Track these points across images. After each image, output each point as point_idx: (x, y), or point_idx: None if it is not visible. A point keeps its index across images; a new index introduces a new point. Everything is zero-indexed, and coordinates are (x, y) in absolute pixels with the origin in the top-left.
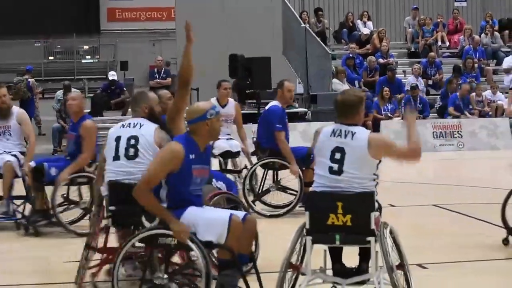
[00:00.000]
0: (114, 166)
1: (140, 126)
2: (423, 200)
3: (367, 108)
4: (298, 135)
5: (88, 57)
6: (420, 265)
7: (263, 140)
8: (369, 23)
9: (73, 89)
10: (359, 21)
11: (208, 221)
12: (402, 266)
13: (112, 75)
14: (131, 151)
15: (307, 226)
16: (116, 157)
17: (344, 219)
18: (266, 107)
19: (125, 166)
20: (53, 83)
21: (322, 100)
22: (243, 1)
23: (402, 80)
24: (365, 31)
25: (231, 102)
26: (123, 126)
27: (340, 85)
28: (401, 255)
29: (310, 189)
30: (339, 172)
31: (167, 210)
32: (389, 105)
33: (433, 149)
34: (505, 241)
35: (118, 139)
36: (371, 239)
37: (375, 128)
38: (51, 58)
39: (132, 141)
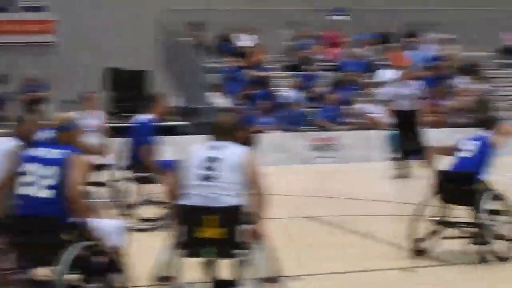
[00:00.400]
0: None
1: None
2: (297, 213)
3: (245, 122)
4: (174, 148)
5: None
6: (295, 277)
7: (134, 153)
8: (248, 37)
9: None
10: (238, 35)
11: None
12: (273, 278)
13: None
14: None
15: (178, 239)
16: None
17: (215, 232)
18: (138, 120)
19: None
20: None
21: (200, 113)
22: (122, 13)
23: (281, 93)
24: (244, 44)
25: (98, 113)
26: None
27: (218, 99)
28: (274, 268)
29: (180, 202)
30: (211, 179)
31: None
32: (267, 118)
33: (309, 161)
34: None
35: None
36: (241, 252)
37: (254, 141)
38: None
39: None
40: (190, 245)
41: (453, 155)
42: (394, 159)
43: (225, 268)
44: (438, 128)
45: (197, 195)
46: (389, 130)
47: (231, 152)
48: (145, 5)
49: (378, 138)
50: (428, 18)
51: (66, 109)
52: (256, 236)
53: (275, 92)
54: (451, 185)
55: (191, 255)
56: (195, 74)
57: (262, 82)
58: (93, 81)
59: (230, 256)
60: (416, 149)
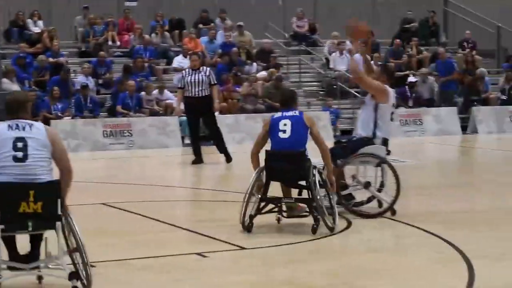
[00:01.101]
0: None
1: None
2: (92, 199)
3: (37, 108)
4: None
5: None
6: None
7: None
8: (40, 22)
9: None
10: (29, 20)
11: None
12: (78, 249)
13: None
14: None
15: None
16: None
17: (35, 206)
18: None
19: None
20: None
21: None
22: None
23: (73, 79)
24: (36, 30)
25: None
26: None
27: (10, 85)
28: (76, 239)
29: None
30: (24, 159)
31: None
32: (59, 105)
33: (104, 148)
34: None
35: None
36: (58, 223)
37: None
38: None
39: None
40: (13, 221)
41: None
42: (188, 145)
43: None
44: (230, 114)
45: (12, 173)
46: (183, 116)
47: (37, 134)
48: None
49: (172, 125)
50: (219, 5)
51: None
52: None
53: (68, 78)
54: (279, 164)
55: (14, 230)
56: None
57: (55, 68)
58: None
59: (51, 227)
60: (209, 135)
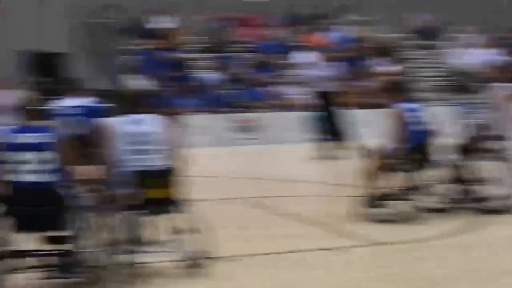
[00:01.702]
0: None
1: None
2: (224, 194)
3: (165, 104)
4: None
5: None
6: (220, 258)
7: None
8: (166, 19)
9: None
10: (156, 17)
11: None
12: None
13: None
14: None
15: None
16: None
17: (165, 192)
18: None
19: None
20: None
21: (117, 96)
22: None
23: (202, 75)
24: (162, 26)
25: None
26: None
27: (136, 81)
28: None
29: (127, 169)
30: (145, 151)
31: None
32: (187, 100)
33: (232, 143)
34: None
35: None
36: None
37: (174, 123)
38: None
39: None
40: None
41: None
42: (315, 140)
43: None
44: (357, 109)
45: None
46: (309, 111)
47: (152, 124)
48: None
49: (298, 120)
50: (342, 0)
51: None
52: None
53: (193, 74)
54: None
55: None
56: (113, 56)
57: (181, 65)
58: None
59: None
60: (336, 130)
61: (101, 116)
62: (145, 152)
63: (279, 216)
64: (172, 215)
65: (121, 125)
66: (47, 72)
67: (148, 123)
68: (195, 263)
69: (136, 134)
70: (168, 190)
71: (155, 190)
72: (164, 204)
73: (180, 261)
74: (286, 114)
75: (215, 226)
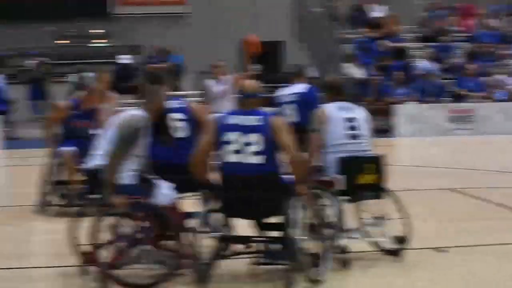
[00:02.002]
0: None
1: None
2: (438, 184)
3: (381, 93)
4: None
5: (100, 40)
6: (438, 248)
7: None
8: (382, 7)
9: (86, 74)
10: (372, 5)
11: None
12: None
13: (124, 59)
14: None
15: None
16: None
17: (371, 178)
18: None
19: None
20: (64, 67)
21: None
22: None
23: (415, 64)
24: (378, 14)
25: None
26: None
27: (352, 69)
28: None
29: (340, 155)
30: (357, 137)
31: None
32: (402, 90)
33: (447, 133)
34: None
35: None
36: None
37: (388, 112)
38: (62, 41)
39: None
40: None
41: None
42: None
43: None
44: None
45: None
46: None
47: (359, 112)
48: None
49: None
50: None
51: (202, 80)
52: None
53: (410, 63)
54: None
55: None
56: (330, 45)
57: (397, 53)
58: (228, 52)
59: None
60: None
61: (315, 103)
62: (357, 137)
63: (490, 207)
64: (376, 201)
65: (335, 111)
66: (265, 60)
67: (356, 111)
68: (396, 250)
69: (349, 120)
70: (376, 176)
71: (365, 176)
72: (371, 190)
73: (382, 249)
74: (502, 104)
75: (429, 216)
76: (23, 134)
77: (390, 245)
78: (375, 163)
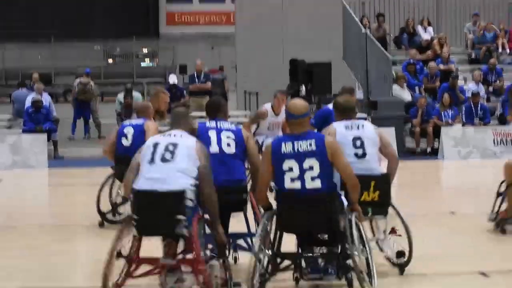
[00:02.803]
0: (147, 171)
1: (181, 136)
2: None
3: (427, 115)
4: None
5: (147, 60)
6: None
7: None
8: (430, 29)
9: (134, 92)
10: (419, 27)
11: None
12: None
13: (173, 79)
14: (168, 154)
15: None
16: (152, 161)
17: (373, 195)
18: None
19: (159, 170)
20: (112, 87)
21: (382, 106)
22: (303, 6)
23: (463, 86)
24: (426, 36)
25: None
26: (163, 135)
27: (400, 91)
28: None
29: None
30: (363, 156)
31: None
32: (450, 112)
33: (494, 156)
34: None
35: (156, 145)
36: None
37: (436, 134)
38: (110, 61)
39: (171, 147)
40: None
41: None
42: None
43: None
44: None
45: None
46: None
47: (368, 129)
48: None
49: None
50: None
51: (248, 99)
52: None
53: (457, 85)
54: None
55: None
56: (378, 66)
57: (445, 75)
58: (275, 73)
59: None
60: None
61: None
62: (364, 156)
63: None
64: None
65: (343, 130)
66: (310, 81)
67: (364, 129)
68: (402, 263)
69: (356, 139)
70: (380, 193)
71: (370, 193)
72: (375, 207)
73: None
74: None
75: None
76: (69, 153)
77: (394, 259)
78: (379, 181)
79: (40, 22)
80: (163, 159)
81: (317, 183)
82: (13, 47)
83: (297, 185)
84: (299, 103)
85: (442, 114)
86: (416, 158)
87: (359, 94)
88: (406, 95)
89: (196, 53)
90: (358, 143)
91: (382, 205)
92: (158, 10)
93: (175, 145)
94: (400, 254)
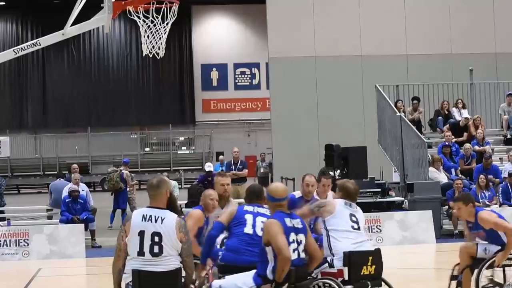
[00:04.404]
0: (139, 260)
1: (162, 220)
2: None
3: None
4: (395, 224)
5: (184, 148)
6: None
7: None
8: (464, 111)
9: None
10: (454, 109)
11: None
12: None
13: (209, 167)
14: (156, 248)
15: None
16: (141, 253)
17: (371, 269)
18: None
19: (150, 260)
20: (150, 175)
21: (418, 189)
22: (337, 91)
23: (499, 167)
24: (461, 118)
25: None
26: (144, 219)
27: (436, 174)
28: None
29: (346, 249)
30: (357, 229)
31: None
32: (486, 193)
33: None
34: None
35: (141, 233)
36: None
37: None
38: (147, 149)
39: (156, 239)
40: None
41: None
42: None
43: None
44: None
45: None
46: None
47: (359, 211)
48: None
49: None
50: None
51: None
52: None
53: (494, 166)
54: None
55: None
56: (413, 149)
57: (480, 156)
58: (311, 158)
59: None
60: None
61: None
62: (357, 229)
63: None
64: None
65: (343, 206)
66: (346, 166)
67: (358, 210)
68: None
69: (352, 215)
70: (375, 267)
71: (367, 267)
72: (371, 279)
73: None
74: None
75: None
76: (107, 243)
77: None
78: (375, 256)
79: (77, 112)
80: (152, 253)
81: (303, 254)
82: (50, 137)
83: (296, 255)
84: (281, 187)
85: (479, 196)
86: (454, 240)
87: (395, 177)
88: (442, 177)
89: (233, 139)
90: (353, 218)
91: (377, 278)
92: (194, 98)
93: (160, 237)
94: None
